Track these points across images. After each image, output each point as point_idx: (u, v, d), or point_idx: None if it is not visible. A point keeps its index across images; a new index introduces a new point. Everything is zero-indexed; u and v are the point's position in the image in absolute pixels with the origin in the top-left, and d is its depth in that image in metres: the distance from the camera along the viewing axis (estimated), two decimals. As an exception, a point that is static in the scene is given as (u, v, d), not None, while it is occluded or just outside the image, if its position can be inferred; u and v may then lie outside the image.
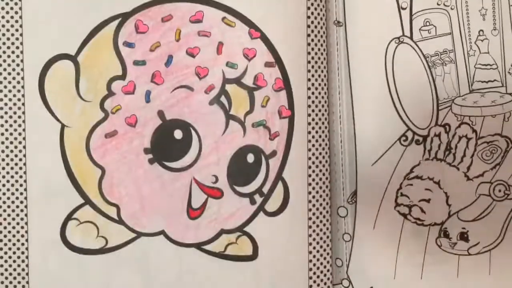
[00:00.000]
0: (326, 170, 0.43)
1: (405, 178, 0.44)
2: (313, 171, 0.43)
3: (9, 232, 0.42)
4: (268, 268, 0.43)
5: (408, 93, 0.43)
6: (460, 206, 0.44)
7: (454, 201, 0.44)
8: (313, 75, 0.43)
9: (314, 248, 0.43)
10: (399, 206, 0.44)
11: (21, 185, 0.42)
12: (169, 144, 0.42)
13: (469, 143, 0.43)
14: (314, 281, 0.43)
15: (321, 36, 0.43)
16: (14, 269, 0.42)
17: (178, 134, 0.42)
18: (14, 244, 0.42)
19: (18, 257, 0.42)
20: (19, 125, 0.42)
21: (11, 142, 0.42)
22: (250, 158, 0.43)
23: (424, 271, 0.44)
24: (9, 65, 0.42)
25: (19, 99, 0.42)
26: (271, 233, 0.43)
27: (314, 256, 0.43)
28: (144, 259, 0.42)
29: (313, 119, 0.43)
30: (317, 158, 0.43)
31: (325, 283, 0.44)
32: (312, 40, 0.43)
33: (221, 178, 0.43)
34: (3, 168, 0.42)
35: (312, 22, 0.43)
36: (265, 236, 0.43)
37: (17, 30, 0.42)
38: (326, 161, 0.43)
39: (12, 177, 0.42)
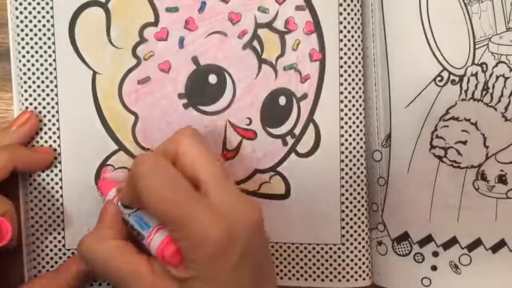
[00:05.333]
0: (360, 114, 0.45)
1: (441, 120, 0.45)
2: (346, 114, 0.44)
3: (43, 179, 0.45)
4: (300, 208, 0.46)
5: (443, 31, 0.45)
6: (498, 147, 0.44)
7: (492, 142, 0.45)
8: (345, 18, 0.44)
9: (347, 190, 0.46)
10: (434, 149, 0.45)
11: (54, 133, 0.44)
12: (203, 88, 0.45)
13: (507, 83, 0.44)
14: (347, 223, 0.46)
15: (353, -23, 0.45)
16: (49, 217, 0.45)
17: (212, 78, 0.45)
18: (48, 192, 0.44)
19: (53, 204, 0.45)
20: (51, 73, 0.44)
21: (43, 90, 0.43)
22: (282, 100, 0.46)
23: (460, 215, 0.45)
24: (38, 12, 0.44)
25: (49, 47, 0.45)
26: (303, 174, 0.46)
27: (347, 199, 0.46)
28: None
29: (345, 62, 0.45)
30: (350, 101, 0.44)
31: (359, 226, 0.44)
32: (344, -19, 0.45)
33: (255, 120, 0.46)
34: (36, 116, 0.45)
35: (344, -38, 0.45)
36: (297, 176, 0.46)
37: (47, -24, 0.45)
38: (360, 105, 0.45)
39: (45, 125, 0.45)
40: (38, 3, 0.44)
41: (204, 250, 0.34)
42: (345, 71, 0.45)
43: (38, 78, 0.44)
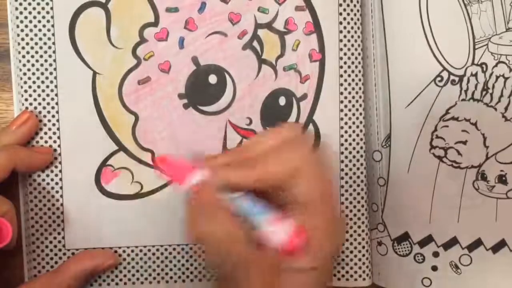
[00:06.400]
0: (360, 114, 0.45)
1: (441, 120, 0.45)
2: (345, 115, 0.45)
3: (43, 180, 0.45)
4: None
5: (443, 31, 0.45)
6: (498, 147, 0.45)
7: (492, 142, 0.45)
8: (345, 18, 0.44)
9: (346, 191, 0.46)
10: (434, 149, 0.45)
11: (54, 133, 0.44)
12: (204, 88, 0.46)
13: (507, 83, 0.44)
14: (347, 223, 0.47)
15: (353, -23, 0.46)
16: (49, 217, 0.46)
17: (212, 79, 0.45)
18: (48, 192, 0.45)
19: (53, 205, 0.46)
20: (51, 73, 0.45)
21: (43, 90, 0.43)
22: (282, 100, 0.46)
23: (460, 215, 0.46)
24: (39, 12, 0.44)
25: (49, 47, 0.45)
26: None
27: (346, 199, 0.46)
28: (180, 203, 0.43)
29: (345, 63, 0.45)
30: (349, 101, 0.45)
31: (359, 226, 0.45)
32: (344, -19, 0.45)
33: (255, 120, 0.46)
34: (36, 116, 0.45)
35: (344, -38, 0.45)
36: None
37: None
38: (360, 105, 0.45)
39: (45, 125, 0.45)
40: (38, 3, 0.44)
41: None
42: (345, 71, 0.46)
43: (38, 78, 0.44)
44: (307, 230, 0.35)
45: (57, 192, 0.45)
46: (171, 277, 0.46)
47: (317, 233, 0.35)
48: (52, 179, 0.45)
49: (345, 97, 0.46)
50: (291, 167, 0.35)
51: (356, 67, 0.46)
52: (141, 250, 0.45)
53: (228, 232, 0.35)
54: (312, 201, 0.36)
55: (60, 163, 0.45)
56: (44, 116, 0.45)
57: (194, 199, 0.37)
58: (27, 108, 0.44)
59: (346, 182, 0.46)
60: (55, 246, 0.45)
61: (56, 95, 0.45)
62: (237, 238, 0.35)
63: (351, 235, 0.46)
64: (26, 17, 0.44)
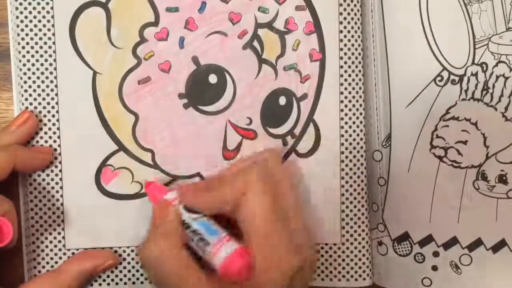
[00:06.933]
0: (360, 114, 0.45)
1: (441, 120, 0.45)
2: (346, 115, 0.45)
3: (43, 179, 0.45)
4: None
5: (443, 31, 0.46)
6: (498, 147, 0.45)
7: (492, 142, 0.45)
8: (345, 18, 0.44)
9: (347, 190, 0.46)
10: (434, 149, 0.45)
11: (54, 133, 0.44)
12: (204, 88, 0.46)
13: (507, 82, 0.44)
14: (347, 223, 0.47)
15: (354, -23, 0.46)
16: (49, 217, 0.46)
17: (213, 78, 0.46)
18: (48, 192, 0.45)
19: (53, 204, 0.46)
20: (51, 73, 0.45)
21: (43, 90, 0.43)
22: (282, 100, 0.46)
23: (461, 215, 0.46)
24: (39, 12, 0.44)
25: (49, 47, 0.45)
26: (303, 174, 0.46)
27: (347, 199, 0.47)
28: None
29: (345, 62, 0.45)
30: (350, 101, 0.45)
31: (359, 226, 0.45)
32: (344, -20, 0.46)
33: (255, 120, 0.46)
34: (36, 116, 0.45)
35: (344, -38, 0.46)
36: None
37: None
38: (360, 105, 0.45)
39: (45, 124, 0.45)
40: (38, 3, 0.44)
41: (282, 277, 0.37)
42: (345, 71, 0.46)
43: (38, 78, 0.45)
44: (250, 254, 0.37)
45: (57, 192, 0.45)
46: (171, 277, 0.46)
47: (260, 257, 0.36)
48: (52, 179, 0.45)
49: (345, 97, 0.46)
50: (237, 193, 0.38)
51: (356, 67, 0.46)
52: (141, 250, 0.46)
53: (172, 255, 0.38)
54: (255, 226, 0.37)
55: (60, 163, 0.45)
56: (44, 116, 0.45)
57: (155, 218, 0.41)
58: (27, 108, 0.44)
59: (346, 182, 0.46)
60: (55, 246, 0.45)
61: (56, 95, 0.45)
62: (183, 263, 0.38)
63: (351, 235, 0.46)
64: (26, 17, 0.44)
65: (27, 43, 0.44)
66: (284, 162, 0.44)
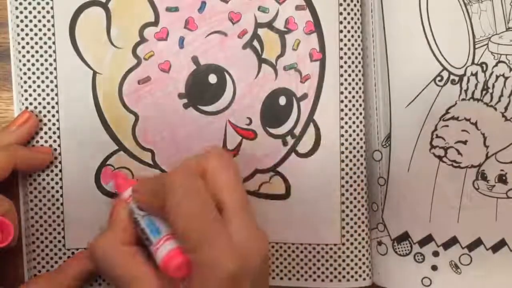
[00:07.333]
0: (360, 113, 0.45)
1: (441, 120, 0.45)
2: (346, 114, 0.45)
3: (43, 179, 0.45)
4: (300, 208, 0.47)
5: (443, 31, 0.46)
6: (498, 147, 0.45)
7: (492, 142, 0.45)
8: (345, 18, 0.45)
9: (347, 190, 0.47)
10: (434, 149, 0.45)
11: (54, 133, 0.44)
12: (203, 88, 0.46)
13: (507, 82, 0.45)
14: (347, 223, 0.47)
15: (353, -23, 0.46)
16: (49, 217, 0.46)
17: (212, 78, 0.46)
18: (48, 192, 0.45)
19: (53, 204, 0.46)
20: (51, 73, 0.45)
21: (43, 90, 0.43)
22: (282, 100, 0.46)
23: (460, 215, 0.46)
24: (39, 12, 0.44)
25: (49, 47, 0.45)
26: (303, 174, 0.47)
27: (347, 199, 0.47)
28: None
29: (345, 62, 0.45)
30: (350, 101, 0.45)
31: (359, 226, 0.45)
32: (344, -20, 0.46)
33: (255, 120, 0.46)
34: (36, 116, 0.45)
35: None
36: (297, 176, 0.47)
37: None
38: (360, 105, 0.45)
39: (45, 124, 0.45)
40: (38, 3, 0.45)
41: (214, 278, 0.35)
42: (345, 71, 0.46)
43: (38, 78, 0.45)
44: (184, 253, 0.36)
45: (57, 192, 0.45)
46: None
47: (197, 266, 0.35)
48: (52, 179, 0.45)
49: (345, 97, 0.46)
50: (163, 194, 0.37)
51: (356, 66, 0.46)
52: (141, 250, 0.46)
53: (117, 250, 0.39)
54: (179, 228, 0.36)
55: (60, 163, 0.45)
56: (44, 116, 0.45)
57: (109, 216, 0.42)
58: (27, 108, 0.44)
59: (346, 182, 0.46)
60: (55, 246, 0.45)
61: (56, 95, 0.45)
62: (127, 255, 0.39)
63: (351, 235, 0.46)
64: (26, 17, 0.44)
65: (27, 43, 0.44)
66: (223, 159, 0.40)
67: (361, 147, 0.46)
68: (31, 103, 0.44)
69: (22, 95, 0.44)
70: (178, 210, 0.36)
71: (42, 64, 0.45)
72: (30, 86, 0.44)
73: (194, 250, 0.35)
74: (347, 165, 0.46)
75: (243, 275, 0.35)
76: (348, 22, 0.46)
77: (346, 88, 0.46)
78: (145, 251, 0.40)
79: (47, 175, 0.45)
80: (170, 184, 0.37)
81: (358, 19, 0.46)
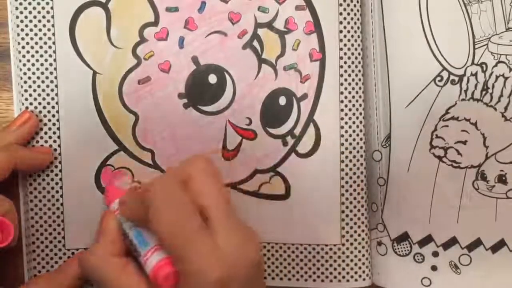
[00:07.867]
0: (360, 114, 0.45)
1: (441, 120, 0.45)
2: (346, 115, 0.45)
3: (43, 180, 0.46)
4: (300, 208, 0.47)
5: (443, 31, 0.46)
6: (498, 147, 0.45)
7: (492, 142, 0.45)
8: (345, 18, 0.45)
9: (347, 191, 0.47)
10: (434, 149, 0.45)
11: (54, 133, 0.44)
12: (203, 88, 0.46)
13: (507, 82, 0.45)
14: (347, 223, 0.47)
15: (353, -23, 0.46)
16: (49, 217, 0.46)
17: (212, 78, 0.46)
18: (48, 192, 0.45)
19: (53, 204, 0.46)
20: (51, 73, 0.45)
21: (43, 90, 0.43)
22: (282, 100, 0.47)
23: (460, 215, 0.46)
24: (39, 12, 0.44)
25: (49, 47, 0.45)
26: (303, 174, 0.47)
27: (347, 199, 0.47)
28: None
29: (345, 62, 0.45)
30: (350, 101, 0.45)
31: (359, 226, 0.45)
32: (344, -19, 0.46)
33: (255, 120, 0.46)
34: (36, 116, 0.45)
35: (344, -38, 0.46)
36: (297, 176, 0.47)
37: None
38: (360, 105, 0.45)
39: (45, 124, 0.45)
40: (38, 3, 0.45)
41: (200, 287, 0.35)
42: (345, 71, 0.46)
43: (38, 78, 0.45)
44: (171, 264, 0.36)
45: (57, 192, 0.45)
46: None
47: (183, 276, 0.35)
48: (52, 179, 0.45)
49: (345, 97, 0.46)
50: (144, 207, 0.37)
51: (356, 67, 0.46)
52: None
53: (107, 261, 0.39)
54: (163, 238, 0.36)
55: (60, 163, 0.45)
56: (44, 116, 0.45)
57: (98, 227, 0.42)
58: (27, 108, 0.45)
59: (346, 182, 0.46)
60: (55, 246, 0.45)
61: (56, 94, 0.45)
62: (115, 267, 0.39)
63: (351, 235, 0.46)
64: (26, 17, 0.44)
65: (27, 43, 0.44)
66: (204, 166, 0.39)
67: (361, 147, 0.46)
68: (31, 103, 0.45)
69: (22, 95, 0.44)
70: (159, 218, 0.36)
71: (42, 64, 0.45)
72: (30, 86, 0.45)
73: (179, 260, 0.35)
74: (347, 165, 0.46)
75: (230, 282, 0.35)
76: (348, 22, 0.46)
77: (346, 88, 0.46)
78: (136, 262, 0.39)
79: (47, 175, 0.45)
80: (152, 194, 0.36)
81: (358, 19, 0.46)
